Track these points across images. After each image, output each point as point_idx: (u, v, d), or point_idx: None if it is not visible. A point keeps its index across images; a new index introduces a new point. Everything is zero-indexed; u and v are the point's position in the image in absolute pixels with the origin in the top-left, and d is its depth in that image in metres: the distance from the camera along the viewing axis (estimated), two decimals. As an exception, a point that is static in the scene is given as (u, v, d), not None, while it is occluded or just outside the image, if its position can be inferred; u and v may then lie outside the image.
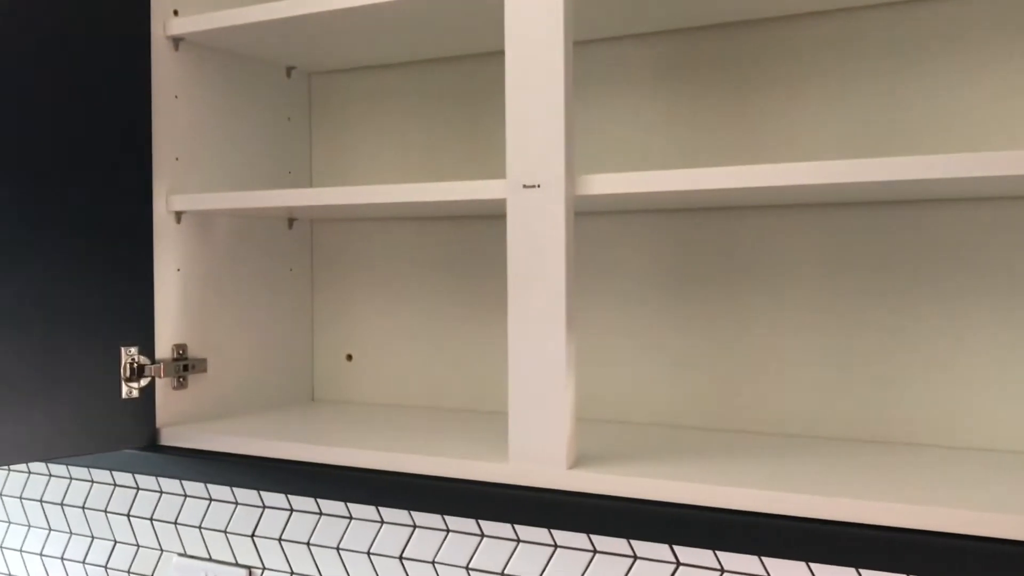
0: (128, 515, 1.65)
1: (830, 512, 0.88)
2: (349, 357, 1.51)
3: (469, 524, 1.35)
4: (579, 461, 1.04)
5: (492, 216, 1.39)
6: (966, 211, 1.10)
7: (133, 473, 1.47)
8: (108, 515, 1.67)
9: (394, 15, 1.17)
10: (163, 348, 1.27)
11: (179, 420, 1.30)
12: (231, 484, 1.19)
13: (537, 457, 1.02)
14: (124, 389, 1.21)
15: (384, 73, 1.47)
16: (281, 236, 1.46)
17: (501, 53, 1.37)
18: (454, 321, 1.42)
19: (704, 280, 1.24)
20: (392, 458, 1.10)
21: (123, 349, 1.22)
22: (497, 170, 1.38)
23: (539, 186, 1.01)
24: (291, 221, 1.48)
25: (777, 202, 1.15)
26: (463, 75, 1.40)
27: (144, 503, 1.63)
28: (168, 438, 1.26)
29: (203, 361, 1.32)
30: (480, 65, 1.39)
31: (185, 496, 1.59)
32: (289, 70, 1.48)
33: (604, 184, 1.00)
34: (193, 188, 1.32)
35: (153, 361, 1.25)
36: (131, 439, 1.22)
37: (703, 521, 0.92)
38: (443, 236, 1.43)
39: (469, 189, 1.07)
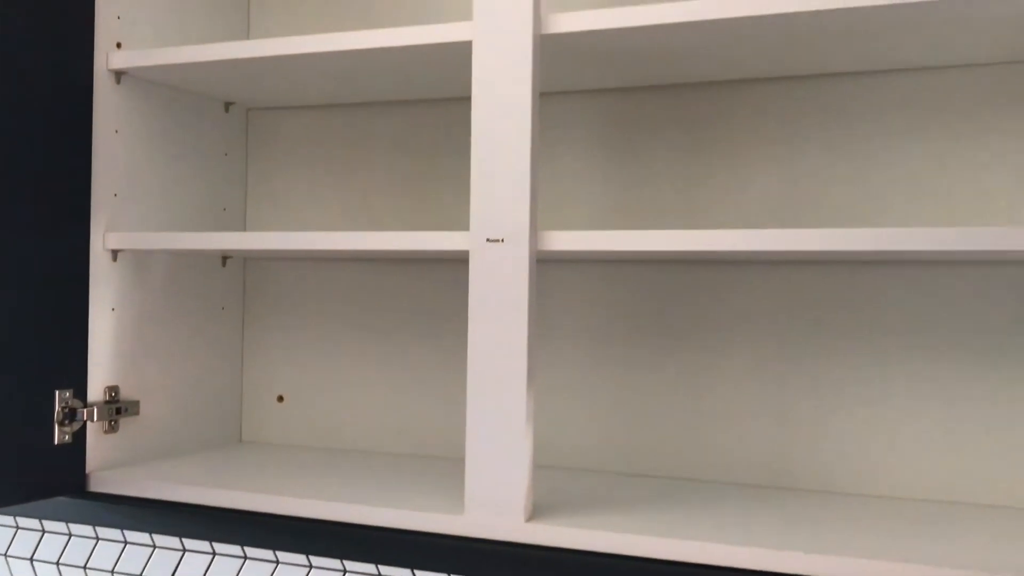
0: (58, 563, 1.57)
1: (783, 565, 0.92)
2: (280, 398, 1.48)
3: (405, 573, 1.34)
4: (536, 512, 1.06)
5: (433, 260, 1.40)
6: (894, 273, 1.18)
7: (65, 521, 1.41)
8: (34, 563, 1.58)
9: (337, 63, 1.17)
10: (96, 390, 1.23)
11: (108, 465, 1.25)
12: (158, 532, 1.16)
13: (495, 508, 1.03)
14: (57, 434, 1.17)
15: (325, 113, 1.46)
16: (214, 274, 1.43)
17: (450, 100, 1.39)
18: (392, 363, 1.42)
19: (655, 330, 1.28)
20: (332, 507, 1.09)
21: (58, 392, 1.17)
22: (440, 219, 1.39)
23: (503, 240, 1.03)
24: (224, 259, 1.45)
25: (721, 259, 1.20)
26: (408, 119, 1.41)
27: (76, 550, 1.55)
28: (97, 484, 1.21)
29: (135, 403, 1.28)
30: (426, 110, 1.40)
31: (125, 543, 1.52)
32: (228, 105, 1.46)
33: (567, 241, 1.03)
34: (130, 225, 1.28)
35: (85, 404, 1.21)
36: (63, 486, 1.17)
37: (663, 574, 0.95)
38: (381, 277, 1.42)
39: (430, 240, 1.08)
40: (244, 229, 1.51)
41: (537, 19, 1.02)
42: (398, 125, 1.42)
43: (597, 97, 1.31)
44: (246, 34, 1.50)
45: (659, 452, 1.27)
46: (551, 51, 1.11)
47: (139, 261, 1.29)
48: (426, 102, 1.40)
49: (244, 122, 1.50)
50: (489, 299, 1.03)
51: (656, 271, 1.28)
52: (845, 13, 0.95)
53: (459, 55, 1.13)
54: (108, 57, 1.24)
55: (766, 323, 1.23)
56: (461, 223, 1.38)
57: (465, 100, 1.38)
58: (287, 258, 1.48)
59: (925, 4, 0.92)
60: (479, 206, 1.03)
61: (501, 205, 1.02)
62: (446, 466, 1.32)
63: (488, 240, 1.03)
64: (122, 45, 1.26)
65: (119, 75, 1.26)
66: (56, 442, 1.17)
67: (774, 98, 1.23)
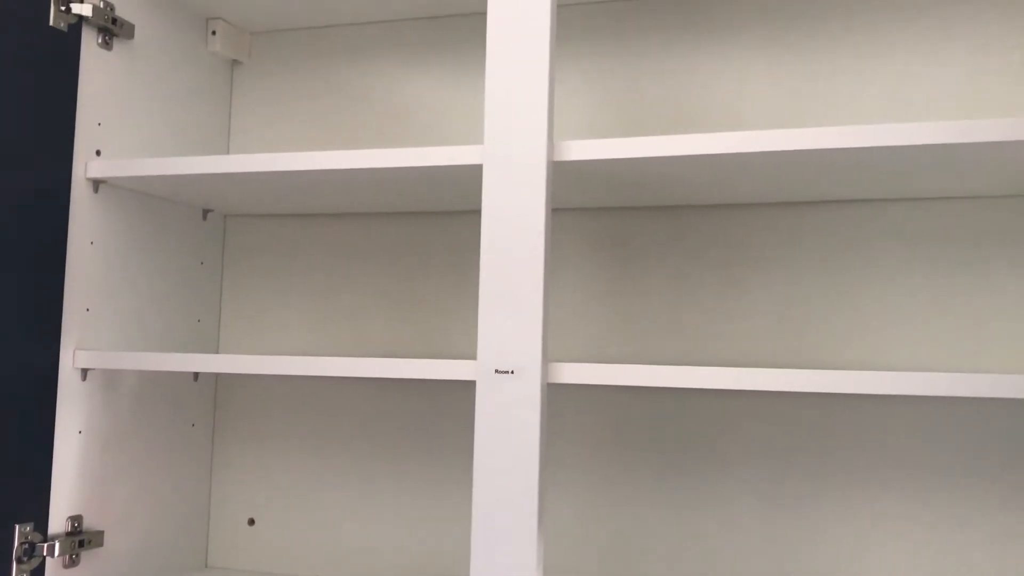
0: None
1: None
2: (251, 521, 1.40)
3: None
4: (542, 662, 0.99)
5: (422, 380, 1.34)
6: (895, 409, 1.16)
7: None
8: None
9: (317, 180, 1.13)
10: (57, 522, 1.13)
11: (67, 602, 1.15)
12: None
13: (501, 659, 0.96)
14: (15, 573, 1.07)
15: (307, 222, 1.41)
16: (185, 389, 1.36)
17: (440, 213, 1.35)
18: (375, 486, 1.35)
19: (653, 458, 1.24)
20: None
21: (17, 527, 1.07)
22: (427, 338, 1.34)
23: (513, 372, 0.98)
24: (196, 375, 1.38)
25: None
26: (392, 231, 1.37)
27: None
28: (55, 625, 1.11)
29: (99, 535, 1.19)
30: (415, 223, 1.36)
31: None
32: (205, 213, 1.40)
33: (578, 374, 0.99)
34: (101, 341, 1.21)
35: (46, 538, 1.11)
36: (18, 631, 1.07)
37: None
38: (364, 394, 1.36)
39: (435, 370, 1.03)
40: (218, 339, 1.44)
41: (550, 146, 1.00)
42: (384, 237, 1.38)
43: (595, 216, 1.29)
44: (227, 141, 1.45)
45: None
46: (555, 173, 1.08)
47: (109, 379, 1.21)
48: (415, 215, 1.36)
49: (222, 229, 1.44)
50: (497, 433, 0.98)
51: (655, 397, 1.24)
52: (853, 153, 0.94)
53: (455, 174, 1.10)
54: (87, 165, 1.18)
55: (764, 452, 1.19)
56: (448, 343, 1.33)
57: (455, 214, 1.34)
58: (261, 375, 1.40)
59: (928, 147, 0.92)
60: (488, 336, 0.99)
61: (511, 336, 0.98)
62: (432, 599, 1.25)
63: (497, 372, 0.99)
64: (101, 153, 1.21)
65: (97, 184, 1.20)
66: (14, 582, 1.07)
67: (775, 222, 1.22)
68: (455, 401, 1.32)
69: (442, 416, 1.32)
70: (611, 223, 1.28)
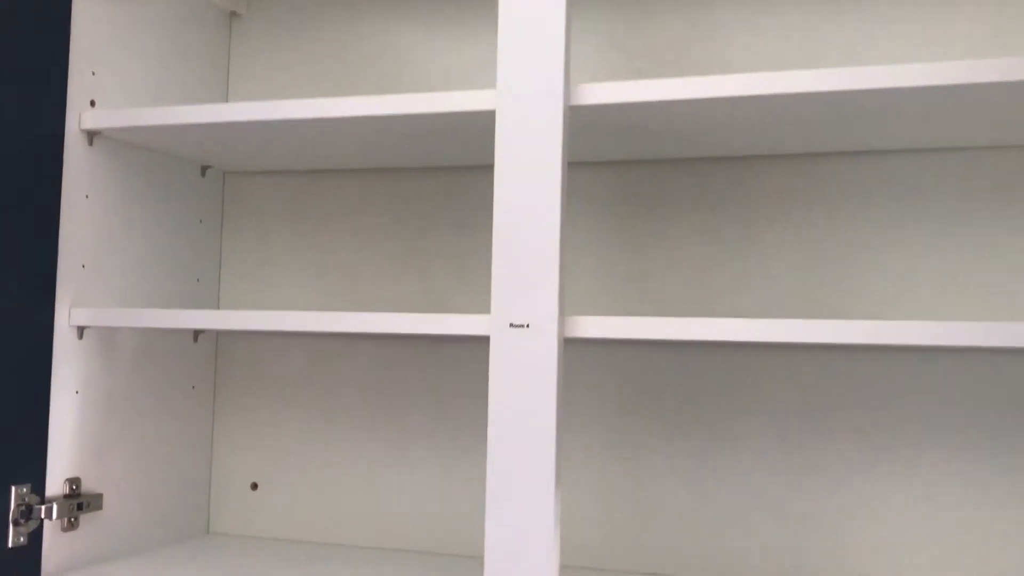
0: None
1: None
2: (254, 486, 1.36)
3: None
4: (559, 625, 0.96)
5: (431, 337, 1.30)
6: (921, 361, 1.12)
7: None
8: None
9: (326, 130, 1.09)
10: (55, 484, 1.10)
11: (66, 567, 1.12)
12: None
13: (516, 622, 0.93)
14: (12, 535, 1.03)
15: (309, 179, 1.37)
16: (185, 350, 1.32)
17: (447, 168, 1.31)
18: (383, 447, 1.31)
19: (667, 417, 1.20)
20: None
21: (14, 489, 1.04)
22: (433, 296, 1.30)
23: (528, 326, 0.94)
24: (197, 335, 1.34)
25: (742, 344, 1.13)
26: (397, 188, 1.33)
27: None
28: (54, 590, 1.08)
29: (98, 497, 1.15)
30: (417, 179, 1.32)
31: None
32: (204, 169, 1.36)
33: (596, 328, 0.95)
34: (98, 299, 1.16)
35: (43, 500, 1.08)
36: (16, 596, 1.04)
37: None
38: (372, 352, 1.32)
39: (446, 324, 0.99)
40: (218, 300, 1.40)
41: (567, 89, 0.96)
42: (390, 194, 1.33)
43: (610, 170, 1.25)
44: (225, 95, 1.40)
45: (669, 549, 1.19)
46: (570, 122, 1.04)
47: (106, 338, 1.17)
48: (420, 170, 1.32)
49: (221, 187, 1.40)
50: (512, 389, 0.94)
51: (671, 353, 1.20)
52: (880, 94, 0.90)
53: (463, 124, 1.06)
54: (81, 116, 1.13)
55: (785, 410, 1.16)
56: (456, 303, 1.29)
57: (462, 169, 1.30)
58: (264, 333, 1.37)
59: (959, 87, 0.88)
60: (502, 289, 0.95)
61: (527, 288, 0.94)
62: (445, 565, 1.22)
63: (512, 326, 0.95)
64: (96, 103, 1.16)
65: (92, 136, 1.16)
66: (10, 544, 1.03)
67: (798, 174, 1.18)
68: (466, 360, 1.28)
69: (452, 375, 1.28)
70: (627, 177, 1.24)
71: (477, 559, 1.25)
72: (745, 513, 1.16)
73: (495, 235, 0.95)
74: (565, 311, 1.24)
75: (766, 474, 1.16)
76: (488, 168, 1.29)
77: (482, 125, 1.06)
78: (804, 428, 1.15)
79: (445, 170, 1.31)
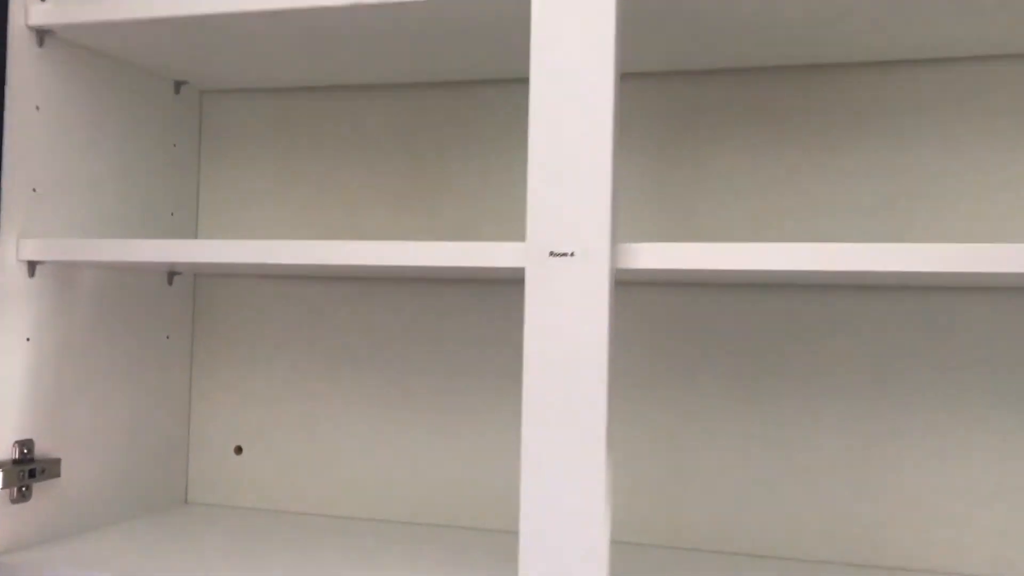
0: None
1: None
2: (239, 449, 1.19)
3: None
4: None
5: (438, 278, 1.13)
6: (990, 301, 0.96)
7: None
8: None
9: (308, 24, 0.91)
10: (2, 447, 0.93)
11: (16, 545, 0.95)
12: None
13: (558, 612, 0.77)
14: (-53, 510, 0.86)
15: (297, 96, 1.19)
16: (158, 294, 1.14)
17: (454, 84, 1.13)
18: (385, 405, 1.14)
19: (722, 374, 1.04)
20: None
21: (-51, 453, 0.87)
22: (441, 229, 1.13)
23: (573, 254, 0.77)
24: (171, 276, 1.16)
25: (810, 282, 0.97)
26: (404, 105, 1.15)
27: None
28: (1, 572, 0.91)
29: (55, 463, 0.98)
30: (426, 95, 1.14)
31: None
32: (179, 85, 1.17)
33: (655, 257, 0.78)
34: (52, 230, 0.99)
35: (-12, 466, 0.91)
36: (-48, 580, 0.87)
37: None
38: (370, 296, 1.15)
39: (465, 254, 0.82)
40: (196, 235, 1.22)
41: (621, -36, 0.78)
42: (393, 113, 1.15)
43: (661, 82, 1.07)
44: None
45: (725, 523, 1.03)
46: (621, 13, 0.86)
47: (63, 277, 1.00)
48: (431, 86, 1.14)
49: (198, 106, 1.22)
50: (553, 332, 0.77)
51: (730, 297, 1.04)
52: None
53: (493, 14, 0.88)
54: (28, 10, 0.95)
55: (861, 364, 1.00)
56: (468, 235, 1.12)
57: (480, 84, 1.12)
58: (250, 274, 1.19)
59: None
60: (540, 211, 0.78)
61: (572, 208, 0.77)
62: (462, 540, 1.05)
63: (552, 254, 0.78)
64: (47, -3, 0.98)
65: (42, 35, 0.97)
66: (-54, 520, 0.86)
67: (878, 83, 1.01)
68: (489, 302, 1.11)
69: (473, 321, 1.11)
70: (679, 89, 1.06)
71: (501, 534, 1.09)
72: (813, 481, 1.00)
73: (531, 143, 0.78)
74: (618, 237, 1.07)
75: (840, 439, 1.00)
76: (511, 82, 1.11)
77: (517, 12, 0.88)
78: (887, 383, 0.99)
79: (461, 85, 1.13)
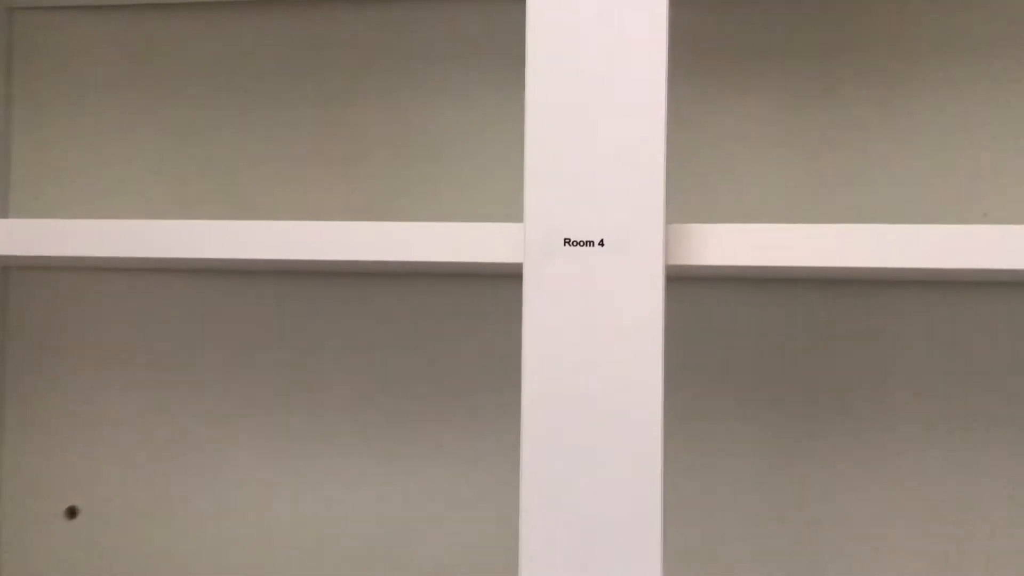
0: None
1: None
2: (72, 512, 0.86)
3: None
4: None
5: (352, 273, 0.83)
6: None
7: None
8: None
9: None
10: None
11: None
12: None
13: None
14: None
15: (146, 15, 0.86)
16: (-54, 295, 0.80)
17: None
18: (280, 442, 0.83)
19: (792, 392, 0.77)
20: None
21: None
22: (360, 197, 0.82)
23: (602, 243, 0.49)
24: (-32, 268, 0.82)
25: (906, 278, 0.71)
26: (311, 22, 0.83)
27: None
28: None
29: None
30: (343, 9, 0.83)
31: None
32: (-25, -5, 0.82)
33: (736, 247, 0.50)
34: None
35: None
36: None
37: None
38: (254, 295, 0.84)
39: (419, 244, 0.52)
40: (7, 211, 0.88)
41: None
42: (297, 34, 0.84)
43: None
44: None
45: (781, 558, 0.77)
46: None
47: None
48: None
49: (7, 30, 0.87)
50: (565, 356, 0.49)
51: (806, 293, 0.77)
52: None
53: None
54: None
55: (955, 375, 0.75)
56: (416, 211, 0.81)
57: None
58: (84, 267, 0.86)
59: None
60: (545, 170, 0.49)
61: (601, 171, 0.48)
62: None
63: (568, 243, 0.49)
64: None
65: None
66: None
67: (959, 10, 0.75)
68: (467, 304, 0.81)
69: (436, 332, 0.81)
70: (696, 23, 0.78)
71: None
72: (901, 514, 0.75)
73: (529, 58, 0.49)
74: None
75: (926, 464, 0.75)
76: None
77: None
78: (987, 395, 0.74)
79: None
